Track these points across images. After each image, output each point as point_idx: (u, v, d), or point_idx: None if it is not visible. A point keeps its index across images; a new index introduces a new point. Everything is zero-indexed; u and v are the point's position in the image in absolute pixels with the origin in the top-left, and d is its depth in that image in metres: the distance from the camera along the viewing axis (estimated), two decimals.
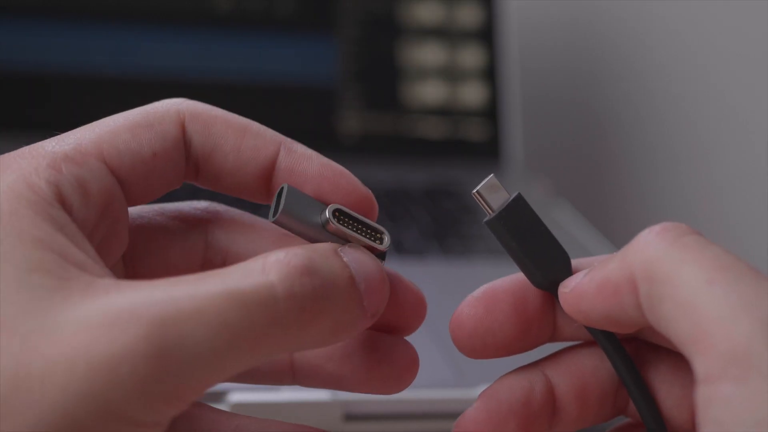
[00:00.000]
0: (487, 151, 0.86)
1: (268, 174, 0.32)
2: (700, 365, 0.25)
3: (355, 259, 0.30)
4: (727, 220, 0.87)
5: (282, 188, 0.31)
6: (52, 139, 0.30)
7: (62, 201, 0.28)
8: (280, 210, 0.31)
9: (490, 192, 0.32)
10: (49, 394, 0.24)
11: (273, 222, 0.31)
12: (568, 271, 0.32)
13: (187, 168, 0.32)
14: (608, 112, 0.96)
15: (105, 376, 0.24)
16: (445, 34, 0.87)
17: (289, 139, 0.33)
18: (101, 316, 0.25)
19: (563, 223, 0.74)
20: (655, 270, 0.27)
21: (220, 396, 0.47)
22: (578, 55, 0.97)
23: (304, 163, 0.32)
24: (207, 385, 0.26)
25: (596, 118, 0.97)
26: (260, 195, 0.33)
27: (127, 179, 0.30)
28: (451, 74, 0.87)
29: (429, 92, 0.86)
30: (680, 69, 0.91)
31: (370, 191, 0.33)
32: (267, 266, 0.27)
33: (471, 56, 0.87)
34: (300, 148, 0.32)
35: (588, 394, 0.31)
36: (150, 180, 0.31)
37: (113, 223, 0.30)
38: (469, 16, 0.88)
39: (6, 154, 0.29)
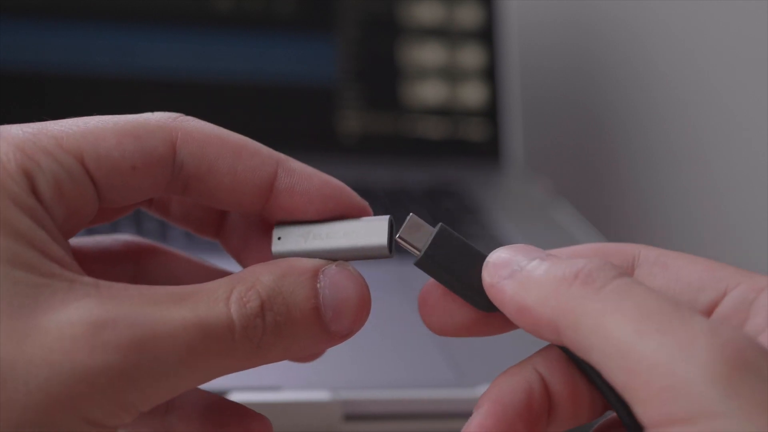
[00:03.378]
0: (487, 151, 0.86)
1: (265, 194, 0.32)
2: (642, 413, 0.25)
3: (333, 283, 0.31)
4: (727, 220, 0.87)
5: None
6: (33, 124, 0.29)
7: (36, 193, 0.28)
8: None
9: (414, 232, 0.32)
10: (33, 396, 0.26)
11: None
12: None
13: (172, 183, 0.31)
14: (608, 112, 0.96)
15: (84, 385, 0.26)
16: (445, 34, 0.87)
17: (285, 157, 0.33)
18: (84, 327, 0.26)
19: (563, 223, 0.74)
20: (580, 322, 0.27)
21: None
22: (578, 55, 0.97)
23: (304, 184, 0.32)
24: (163, 399, 0.28)
25: (596, 118, 0.97)
26: (255, 212, 0.33)
27: (103, 185, 0.30)
28: (451, 74, 0.87)
29: (429, 92, 0.86)
30: (680, 69, 0.91)
31: (366, 203, 0.33)
32: (230, 299, 0.29)
33: (471, 56, 0.87)
34: (298, 167, 0.32)
35: (580, 392, 0.31)
36: (126, 190, 0.31)
37: (80, 222, 0.30)
38: (469, 16, 0.88)
39: None
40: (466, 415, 0.50)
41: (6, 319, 0.26)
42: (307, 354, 0.31)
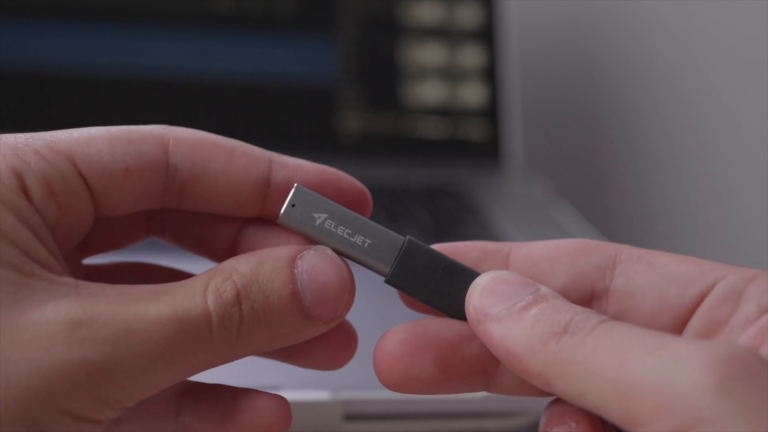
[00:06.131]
0: (487, 151, 0.86)
1: (262, 190, 0.32)
2: None
3: (310, 267, 0.30)
4: (727, 220, 0.87)
5: (295, 187, 0.32)
6: (28, 133, 0.30)
7: (25, 192, 0.29)
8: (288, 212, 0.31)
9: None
10: (12, 391, 0.26)
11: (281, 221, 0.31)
12: None
13: (168, 192, 0.32)
14: (608, 112, 0.96)
15: (63, 379, 0.27)
16: (445, 34, 0.87)
17: (276, 154, 0.33)
18: (61, 324, 0.27)
19: (563, 223, 0.74)
20: (570, 371, 0.27)
21: None
22: (578, 55, 0.97)
23: (300, 174, 0.33)
24: (145, 395, 0.28)
25: (596, 118, 0.97)
26: (255, 212, 0.33)
27: (96, 187, 0.30)
28: (451, 74, 0.87)
29: (429, 92, 0.86)
30: (680, 69, 0.91)
31: (364, 187, 0.34)
32: (207, 291, 0.29)
33: (471, 56, 0.87)
34: (290, 160, 0.33)
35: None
36: (120, 194, 0.31)
37: (77, 226, 0.30)
38: (469, 16, 0.88)
39: None
40: (465, 415, 0.50)
41: None
42: (290, 343, 0.31)
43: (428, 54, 0.87)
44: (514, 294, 0.29)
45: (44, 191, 0.29)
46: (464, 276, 0.31)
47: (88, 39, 0.80)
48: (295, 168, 0.33)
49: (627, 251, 0.31)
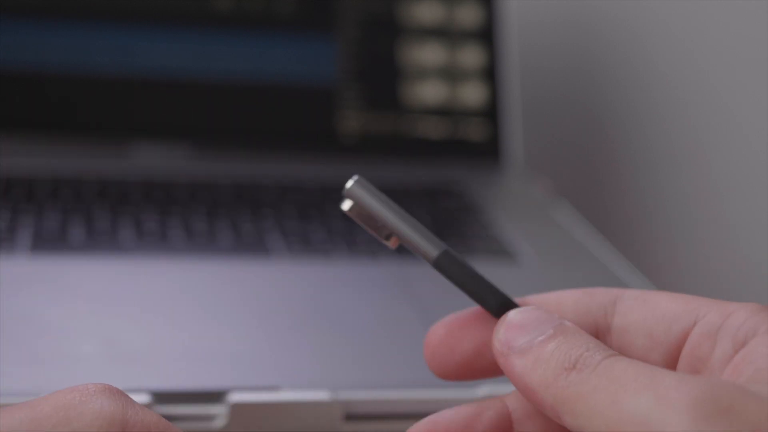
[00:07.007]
0: (487, 151, 0.86)
1: None
2: None
3: None
4: (727, 220, 0.87)
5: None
6: None
7: None
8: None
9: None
10: None
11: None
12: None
13: None
14: (608, 112, 0.96)
15: None
16: (445, 34, 0.87)
17: None
18: None
19: (563, 223, 0.74)
20: (575, 407, 0.28)
21: (219, 396, 0.47)
22: (578, 55, 0.97)
23: None
24: None
25: (596, 118, 0.97)
26: None
27: None
28: (451, 74, 0.87)
29: (429, 92, 0.86)
30: (680, 69, 0.91)
31: None
32: None
33: (471, 56, 0.87)
34: None
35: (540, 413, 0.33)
36: None
37: None
38: (469, 16, 0.88)
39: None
40: None
41: None
42: None
43: (428, 54, 0.87)
44: (536, 327, 0.31)
45: None
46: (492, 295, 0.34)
47: (88, 39, 0.80)
48: None
49: (628, 292, 0.33)
